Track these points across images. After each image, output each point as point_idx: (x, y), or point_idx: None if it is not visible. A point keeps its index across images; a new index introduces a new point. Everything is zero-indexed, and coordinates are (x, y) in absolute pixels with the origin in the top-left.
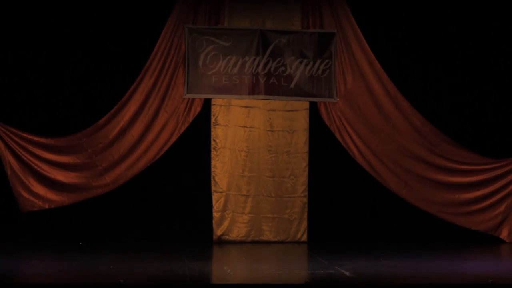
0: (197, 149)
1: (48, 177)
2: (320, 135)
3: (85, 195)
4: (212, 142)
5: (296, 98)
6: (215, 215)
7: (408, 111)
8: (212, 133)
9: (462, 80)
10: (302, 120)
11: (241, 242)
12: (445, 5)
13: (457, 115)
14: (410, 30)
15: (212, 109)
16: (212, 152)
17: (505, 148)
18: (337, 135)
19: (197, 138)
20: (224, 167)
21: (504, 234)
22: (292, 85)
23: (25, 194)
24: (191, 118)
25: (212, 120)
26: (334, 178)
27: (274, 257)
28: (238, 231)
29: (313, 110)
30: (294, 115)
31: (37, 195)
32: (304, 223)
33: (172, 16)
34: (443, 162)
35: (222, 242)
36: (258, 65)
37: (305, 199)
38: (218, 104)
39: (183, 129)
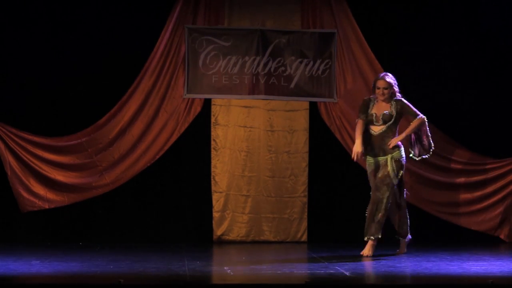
0: (197, 149)
1: (48, 177)
2: (320, 135)
3: (85, 195)
4: (212, 142)
5: (296, 98)
6: (215, 215)
7: None
8: (212, 133)
9: (462, 80)
10: (302, 120)
11: (241, 242)
12: (445, 4)
13: (457, 114)
14: (410, 30)
15: (212, 109)
16: (212, 152)
17: (505, 148)
18: (337, 135)
19: (197, 138)
20: (224, 167)
21: (504, 234)
22: (292, 85)
23: (25, 194)
24: (191, 118)
25: (212, 120)
26: (334, 178)
27: (274, 257)
28: (238, 231)
29: (313, 110)
30: (294, 115)
31: (37, 195)
32: (304, 223)
33: (172, 16)
34: (442, 162)
35: (222, 242)
36: (258, 65)
37: (305, 199)
38: (218, 104)
39: (183, 129)
